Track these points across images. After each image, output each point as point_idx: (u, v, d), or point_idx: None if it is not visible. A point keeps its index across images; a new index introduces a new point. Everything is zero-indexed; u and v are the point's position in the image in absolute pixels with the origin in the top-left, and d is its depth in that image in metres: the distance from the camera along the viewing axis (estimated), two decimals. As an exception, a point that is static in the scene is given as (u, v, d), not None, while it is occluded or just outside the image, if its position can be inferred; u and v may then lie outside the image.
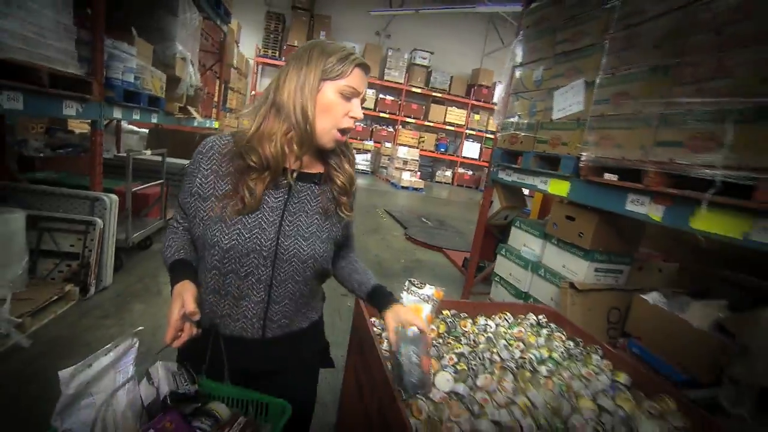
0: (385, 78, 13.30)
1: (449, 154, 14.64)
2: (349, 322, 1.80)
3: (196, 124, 5.17)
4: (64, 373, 0.72)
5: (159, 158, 3.84)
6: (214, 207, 0.88)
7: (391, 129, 13.93)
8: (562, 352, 1.62)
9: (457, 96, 13.92)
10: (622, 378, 1.49)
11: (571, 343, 1.72)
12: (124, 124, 6.45)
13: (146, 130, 6.91)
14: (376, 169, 13.69)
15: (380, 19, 13.56)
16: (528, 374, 1.41)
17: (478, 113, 14.17)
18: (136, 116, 3.31)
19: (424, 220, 7.34)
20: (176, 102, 4.14)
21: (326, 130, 0.88)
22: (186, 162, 4.44)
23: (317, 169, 0.97)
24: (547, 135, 2.59)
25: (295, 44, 12.41)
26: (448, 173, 14.57)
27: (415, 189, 11.52)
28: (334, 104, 0.87)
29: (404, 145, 13.01)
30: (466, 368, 1.37)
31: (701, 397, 1.58)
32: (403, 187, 11.36)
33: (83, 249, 2.68)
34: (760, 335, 1.37)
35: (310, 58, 0.87)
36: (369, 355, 1.34)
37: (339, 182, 0.96)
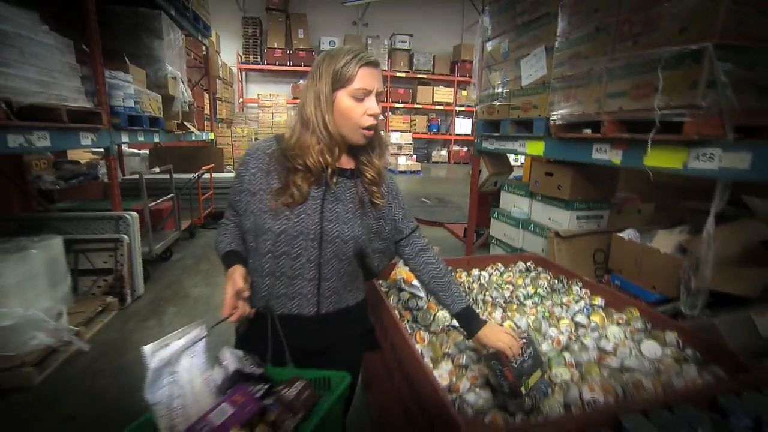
0: (369, 67, 13.38)
1: (442, 134, 14.76)
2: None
3: (194, 138, 5.41)
4: (146, 348, 0.79)
5: (163, 176, 4.10)
6: (264, 199, 1.00)
7: (381, 117, 14.05)
8: (546, 288, 1.87)
9: (442, 75, 13.98)
10: (597, 301, 1.74)
11: (556, 281, 1.97)
12: (125, 148, 6.71)
13: (146, 151, 7.16)
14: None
15: (355, 9, 13.59)
16: (515, 307, 1.66)
17: (465, 89, 14.23)
18: (141, 138, 3.55)
19: (424, 200, 7.58)
20: (173, 119, 4.38)
21: (353, 131, 0.97)
22: (190, 176, 4.69)
23: (349, 165, 1.06)
24: (519, 101, 2.80)
25: (275, 46, 12.50)
26: (444, 152, 14.71)
27: (413, 172, 11.72)
28: (350, 108, 0.95)
29: (396, 131, 13.15)
30: (461, 308, 1.63)
31: (668, 309, 1.83)
32: (400, 172, 11.56)
33: (115, 264, 2.96)
34: (705, 248, 1.60)
35: (320, 72, 0.95)
36: (379, 307, 1.60)
37: (368, 176, 1.05)
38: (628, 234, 2.31)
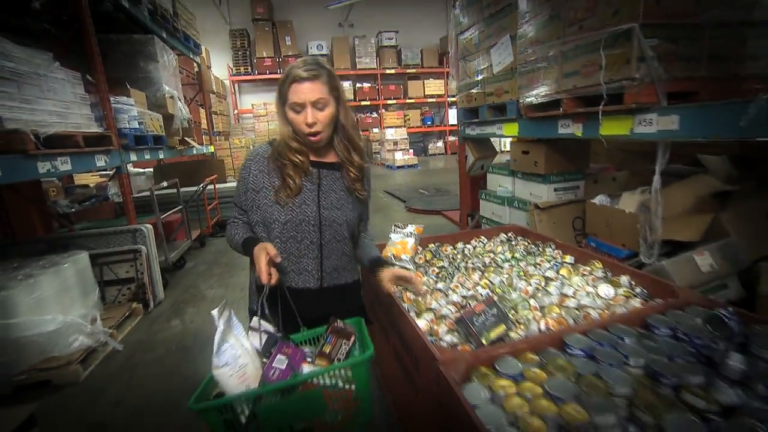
0: (358, 67, 13.60)
1: (437, 126, 14.96)
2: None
3: (195, 152, 5.68)
4: (215, 311, 0.95)
5: (170, 190, 4.37)
6: (268, 195, 1.19)
7: (375, 114, 14.27)
8: (522, 252, 2.10)
9: (431, 68, 14.16)
10: (567, 258, 1.96)
11: (533, 246, 2.19)
12: (130, 168, 6.99)
13: (151, 169, 7.44)
14: (370, 155, 14.09)
15: (340, 11, 13.78)
16: (492, 269, 1.89)
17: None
18: (147, 156, 3.82)
19: (422, 191, 7.80)
20: (175, 136, 4.64)
21: (302, 136, 1.17)
22: (194, 188, 4.95)
23: (335, 159, 1.26)
24: (493, 88, 3.02)
25: (264, 55, 12.74)
26: (440, 144, 14.89)
27: (410, 166, 11.92)
28: (293, 119, 1.15)
29: (391, 127, 13.35)
30: (445, 274, 1.86)
31: (634, 263, 2.04)
32: (398, 167, 11.77)
33: (136, 273, 3.22)
34: (654, 203, 1.81)
35: (278, 91, 1.16)
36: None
37: (351, 173, 1.25)
38: (599, 200, 2.52)
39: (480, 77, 3.22)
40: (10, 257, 2.78)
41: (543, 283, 1.74)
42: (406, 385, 1.48)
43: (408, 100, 14.20)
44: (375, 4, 13.61)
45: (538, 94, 2.43)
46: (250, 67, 13.04)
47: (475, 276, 1.80)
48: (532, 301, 1.52)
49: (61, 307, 2.45)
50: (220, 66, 12.52)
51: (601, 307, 1.44)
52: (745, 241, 1.74)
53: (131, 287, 3.22)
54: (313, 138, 1.16)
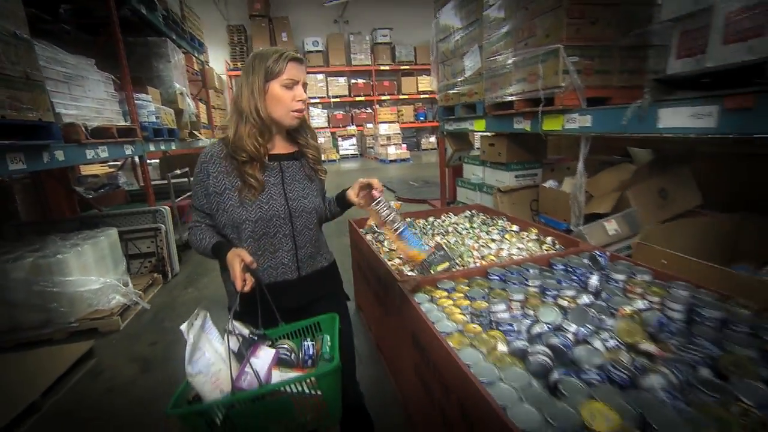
0: (353, 63, 13.98)
1: (430, 121, 15.40)
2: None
3: (200, 144, 6.13)
4: (183, 327, 0.91)
5: (178, 180, 4.83)
6: (232, 196, 1.14)
7: (369, 110, 14.67)
8: (479, 224, 2.61)
9: (424, 64, 14.54)
10: (514, 227, 2.47)
11: (489, 220, 2.71)
12: (138, 159, 7.43)
13: (156, 161, 7.88)
14: (363, 150, 14.51)
15: (335, 8, 14.13)
16: (451, 234, 2.40)
17: (446, 76, 14.81)
18: (163, 147, 4.28)
19: (412, 183, 8.31)
20: (184, 129, 5.10)
21: (284, 114, 1.15)
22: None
23: (292, 149, 1.26)
24: (466, 89, 3.52)
25: (262, 51, 13.11)
26: (432, 139, 15.30)
27: (403, 160, 12.39)
28: (281, 95, 1.13)
29: (384, 122, 13.77)
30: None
31: (566, 231, 2.56)
32: (391, 161, 12.23)
33: (156, 248, 3.70)
34: (578, 184, 2.33)
35: (252, 68, 1.13)
36: (359, 243, 2.34)
37: (311, 156, 1.27)
38: (548, 184, 3.04)
39: (456, 80, 3.72)
40: (51, 233, 3.25)
41: (488, 243, 2.26)
42: (379, 308, 2.00)
43: (401, 96, 14.61)
44: (370, 1, 13.99)
45: (498, 95, 2.93)
46: (247, 63, 13.35)
47: (438, 238, 2.32)
48: (475, 253, 2.04)
49: (100, 272, 2.93)
50: (217, 61, 12.84)
51: (525, 255, 1.96)
52: (642, 211, 2.26)
53: (152, 260, 3.71)
54: (298, 114, 1.19)
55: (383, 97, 14.54)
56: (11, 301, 2.50)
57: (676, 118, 1.68)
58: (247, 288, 1.07)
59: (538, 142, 3.37)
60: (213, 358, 0.95)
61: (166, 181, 4.89)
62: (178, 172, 4.53)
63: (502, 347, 1.19)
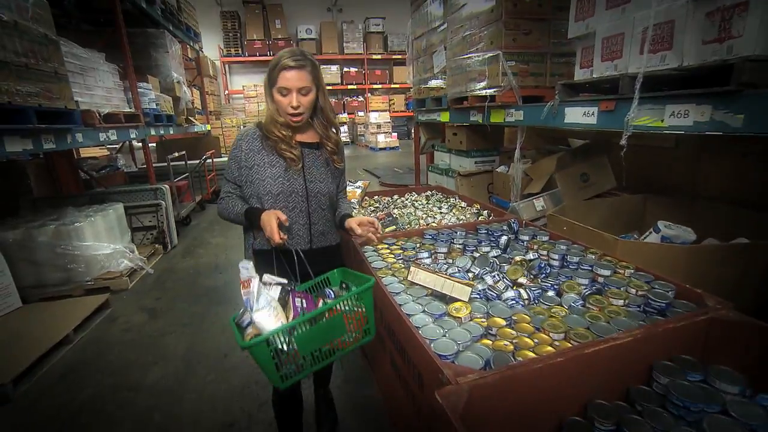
0: (345, 52, 14.22)
1: (419, 110, 15.75)
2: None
3: (196, 129, 6.52)
4: (244, 266, 1.14)
5: (175, 163, 5.25)
6: (260, 170, 1.33)
7: (360, 98, 14.96)
8: (434, 201, 3.08)
9: (413, 54, 14.85)
10: (462, 204, 2.95)
11: (444, 198, 3.18)
12: (135, 143, 7.78)
13: (153, 145, 8.23)
14: (355, 137, 14.87)
15: (328, -4, 14.31)
16: (408, 207, 2.87)
17: (436, 66, 15.11)
18: (162, 131, 4.68)
19: (396, 169, 8.76)
20: (181, 115, 5.49)
21: (285, 116, 1.32)
22: (196, 161, 5.84)
23: (314, 138, 1.43)
24: (434, 84, 3.95)
25: (254, 38, 13.27)
26: (421, 127, 15.72)
27: (392, 148, 12.78)
28: (279, 101, 1.30)
29: (376, 111, 14.08)
30: (377, 210, 2.84)
31: (510, 209, 3.04)
32: (380, 149, 12.62)
33: (158, 222, 4.14)
34: (516, 169, 2.80)
35: (267, 75, 1.31)
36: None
37: (329, 147, 1.43)
38: (500, 169, 3.51)
39: (426, 75, 4.15)
40: (63, 206, 3.67)
41: (435, 214, 2.74)
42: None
43: (393, 85, 14.89)
44: (363, -10, 14.15)
45: (456, 91, 3.38)
46: (240, 49, 13.52)
47: (395, 212, 2.79)
48: (422, 221, 2.51)
49: (110, 240, 3.38)
50: (211, 47, 12.98)
51: (462, 224, 2.44)
52: (566, 192, 2.74)
53: (153, 233, 4.15)
54: (294, 118, 1.32)
55: (375, 86, 14.81)
56: (37, 261, 2.95)
57: (575, 116, 2.15)
58: (282, 240, 1.24)
59: (495, 132, 3.83)
60: (269, 297, 1.15)
61: (164, 164, 5.30)
62: (176, 154, 4.93)
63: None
